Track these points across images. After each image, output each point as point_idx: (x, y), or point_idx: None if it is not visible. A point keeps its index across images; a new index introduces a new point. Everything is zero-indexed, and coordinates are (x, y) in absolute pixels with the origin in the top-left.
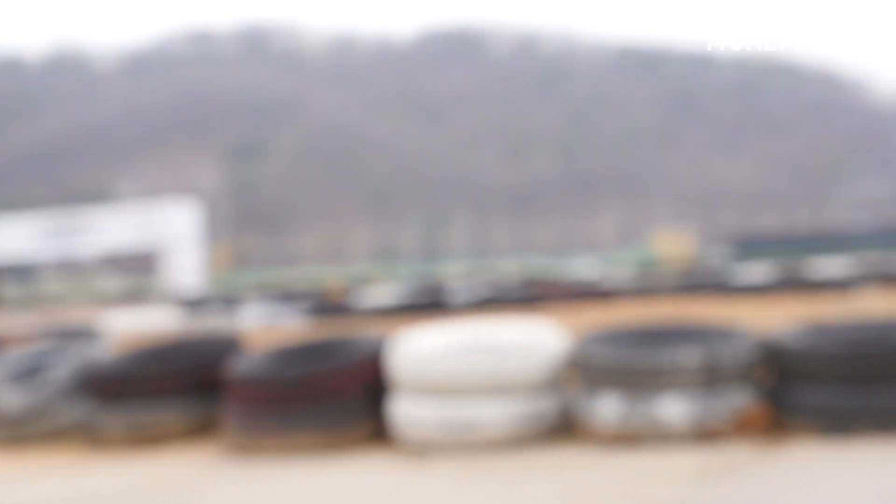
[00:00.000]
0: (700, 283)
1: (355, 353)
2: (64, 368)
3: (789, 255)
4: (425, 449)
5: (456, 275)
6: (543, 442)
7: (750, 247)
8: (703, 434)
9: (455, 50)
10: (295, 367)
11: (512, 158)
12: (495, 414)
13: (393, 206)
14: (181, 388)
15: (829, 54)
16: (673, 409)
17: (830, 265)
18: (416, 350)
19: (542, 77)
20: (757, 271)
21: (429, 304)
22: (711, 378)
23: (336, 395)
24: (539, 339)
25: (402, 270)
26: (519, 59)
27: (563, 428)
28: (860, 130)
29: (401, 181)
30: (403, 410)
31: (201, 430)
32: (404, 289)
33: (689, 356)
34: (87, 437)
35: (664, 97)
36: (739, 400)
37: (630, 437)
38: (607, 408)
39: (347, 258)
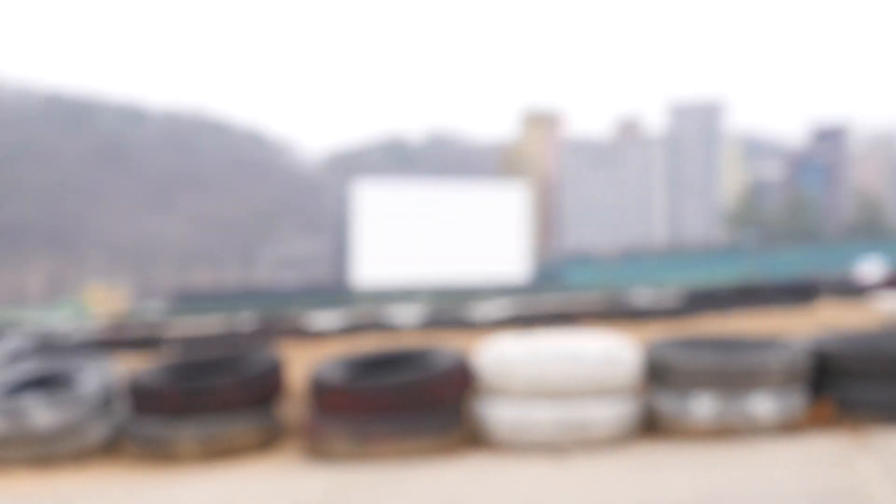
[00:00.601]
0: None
1: (441, 362)
2: (93, 382)
3: (223, 310)
4: (537, 449)
5: None
6: (647, 438)
7: (186, 301)
8: (787, 427)
9: None
10: (385, 376)
11: None
12: (603, 414)
13: None
14: (247, 400)
15: (259, 115)
16: (763, 406)
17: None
18: (518, 357)
19: None
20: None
21: None
22: (789, 378)
23: (437, 402)
24: (616, 348)
25: None
26: None
27: (649, 426)
28: (287, 191)
29: None
30: (508, 414)
31: (267, 440)
32: None
33: (776, 358)
34: (152, 451)
35: (94, 149)
36: (807, 397)
37: (724, 433)
38: (702, 406)
39: None
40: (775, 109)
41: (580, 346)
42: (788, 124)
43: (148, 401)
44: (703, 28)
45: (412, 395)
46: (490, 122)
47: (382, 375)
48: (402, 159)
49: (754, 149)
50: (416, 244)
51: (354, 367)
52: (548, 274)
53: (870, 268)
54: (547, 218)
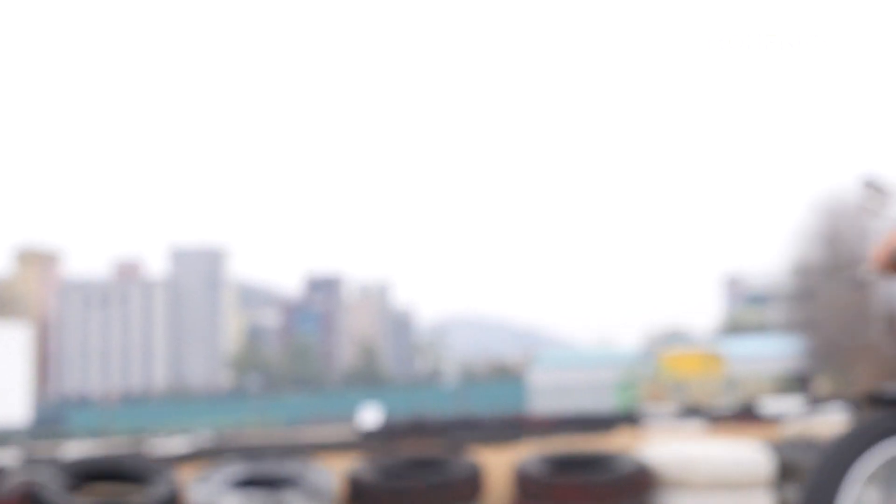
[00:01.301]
0: None
1: (626, 461)
2: (327, 480)
3: None
4: None
5: None
6: None
7: None
8: None
9: None
10: (582, 474)
11: None
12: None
13: None
14: (465, 497)
15: None
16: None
17: None
18: (698, 456)
19: None
20: None
21: None
22: None
23: (632, 495)
24: (753, 449)
25: None
26: None
27: None
28: None
29: None
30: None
31: None
32: None
33: None
34: None
35: None
36: None
37: None
38: None
39: None
40: (269, 259)
41: (724, 447)
42: (282, 274)
43: (374, 497)
44: (202, 175)
45: (615, 490)
46: None
47: (579, 473)
48: None
49: (251, 296)
50: None
51: (552, 464)
52: (47, 418)
53: (369, 414)
54: (44, 359)
